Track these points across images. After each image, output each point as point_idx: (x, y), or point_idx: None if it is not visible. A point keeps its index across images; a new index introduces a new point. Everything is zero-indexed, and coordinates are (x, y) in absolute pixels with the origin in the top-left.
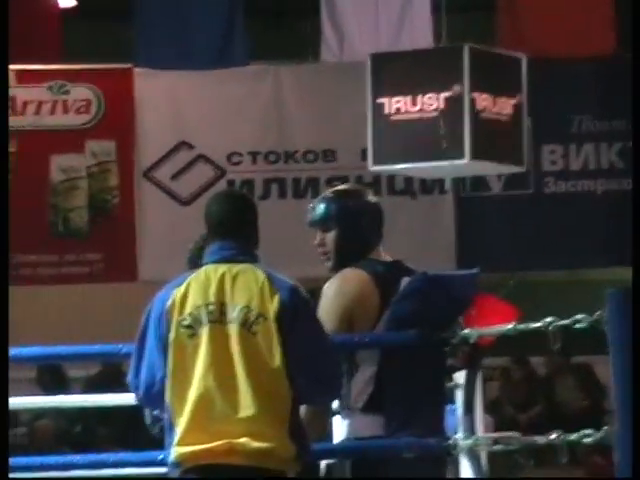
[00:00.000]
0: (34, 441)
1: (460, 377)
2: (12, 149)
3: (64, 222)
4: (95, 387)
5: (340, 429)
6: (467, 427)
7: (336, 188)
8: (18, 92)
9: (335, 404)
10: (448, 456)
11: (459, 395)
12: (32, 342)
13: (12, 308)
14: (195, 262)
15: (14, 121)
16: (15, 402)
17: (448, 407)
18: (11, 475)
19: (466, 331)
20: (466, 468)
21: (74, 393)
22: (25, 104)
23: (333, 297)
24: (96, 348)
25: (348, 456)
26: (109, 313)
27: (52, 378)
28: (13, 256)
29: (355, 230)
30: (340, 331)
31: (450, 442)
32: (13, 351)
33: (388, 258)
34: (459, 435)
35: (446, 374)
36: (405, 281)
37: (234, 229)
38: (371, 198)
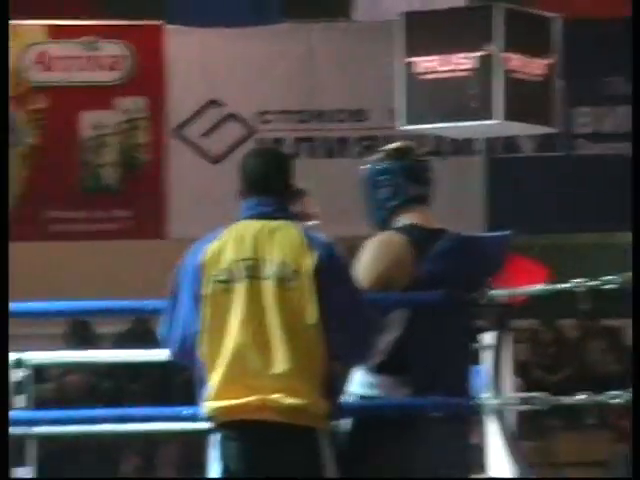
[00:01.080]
0: (63, 396)
1: (488, 338)
2: (43, 105)
3: (94, 178)
4: (123, 344)
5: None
6: (494, 388)
7: (389, 146)
8: (49, 47)
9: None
10: (474, 415)
11: (487, 356)
12: (62, 297)
13: (42, 263)
14: None
15: (45, 76)
16: (44, 357)
17: (475, 368)
18: (40, 428)
19: (496, 291)
20: (493, 429)
21: (104, 349)
22: (56, 60)
23: (369, 261)
24: (124, 303)
25: (373, 414)
26: (138, 270)
27: (81, 334)
28: (44, 212)
29: (390, 187)
30: (373, 292)
31: (477, 402)
32: (42, 305)
33: (435, 224)
34: (486, 395)
35: (474, 334)
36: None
37: (271, 186)
38: (413, 155)
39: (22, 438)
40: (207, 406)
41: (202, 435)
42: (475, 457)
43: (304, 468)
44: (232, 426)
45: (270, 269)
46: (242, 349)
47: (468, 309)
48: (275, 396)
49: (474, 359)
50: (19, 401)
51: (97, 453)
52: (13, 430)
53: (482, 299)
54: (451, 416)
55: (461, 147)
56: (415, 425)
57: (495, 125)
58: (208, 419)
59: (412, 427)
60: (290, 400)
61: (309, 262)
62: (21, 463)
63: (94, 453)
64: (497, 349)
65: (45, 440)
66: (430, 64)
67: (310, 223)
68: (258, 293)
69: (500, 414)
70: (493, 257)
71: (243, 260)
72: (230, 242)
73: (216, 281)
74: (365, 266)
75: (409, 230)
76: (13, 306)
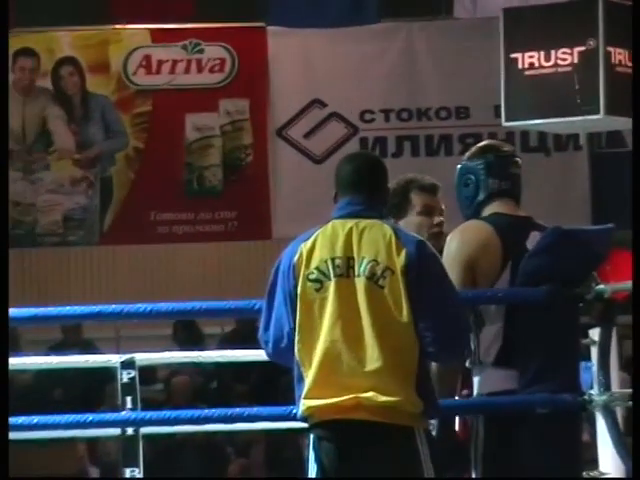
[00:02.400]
0: (171, 397)
1: (595, 333)
2: (148, 108)
3: (198, 180)
4: (230, 344)
5: (474, 384)
6: (602, 383)
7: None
8: (153, 51)
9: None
10: (583, 411)
11: (594, 352)
12: (168, 299)
13: (149, 266)
14: (394, 207)
15: (150, 80)
16: (152, 357)
17: (583, 364)
18: (149, 429)
19: (601, 287)
20: (601, 425)
21: (210, 350)
22: (160, 63)
23: (455, 247)
24: (230, 304)
25: (480, 412)
26: (243, 271)
27: (188, 335)
28: (149, 214)
29: (478, 182)
30: (464, 280)
31: (585, 398)
32: (150, 307)
33: (520, 212)
34: (594, 391)
35: (580, 330)
36: (534, 236)
37: (362, 186)
38: (495, 152)
39: (130, 439)
40: (302, 405)
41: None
42: (586, 453)
43: (401, 468)
44: (327, 426)
45: (361, 267)
46: (335, 348)
47: (575, 304)
48: (369, 394)
49: (583, 355)
50: (127, 402)
51: (202, 453)
52: (122, 431)
53: (588, 294)
54: (562, 412)
55: (565, 142)
56: (525, 421)
57: (599, 120)
58: (303, 419)
59: (522, 423)
60: (384, 398)
61: (400, 259)
62: (129, 463)
63: (199, 453)
64: (603, 345)
65: (152, 440)
66: (532, 60)
67: (437, 219)
68: (350, 291)
69: (608, 410)
70: (598, 251)
71: (334, 259)
72: (322, 241)
73: (308, 280)
74: (451, 256)
75: (492, 219)
76: (122, 308)
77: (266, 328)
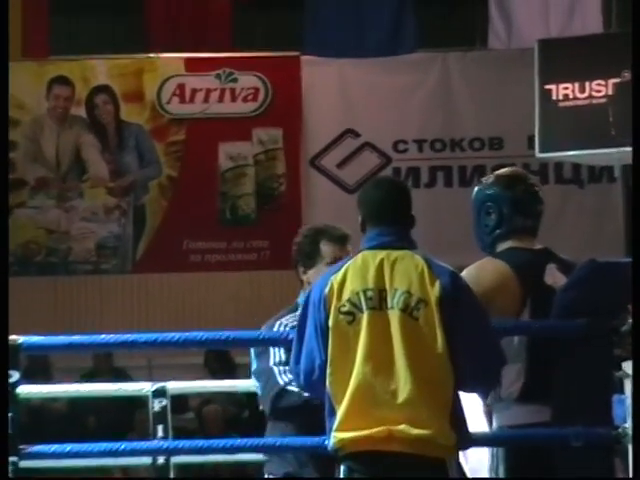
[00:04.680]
0: (203, 426)
1: (629, 366)
2: (181, 137)
3: (232, 209)
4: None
5: (495, 421)
6: (636, 417)
7: (500, 171)
8: (187, 80)
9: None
10: (616, 444)
11: (628, 384)
12: (200, 328)
13: (181, 294)
14: (306, 255)
15: (183, 109)
16: (184, 386)
17: (617, 397)
18: (182, 457)
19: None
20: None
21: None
22: (194, 92)
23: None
24: (262, 333)
25: (512, 443)
26: (276, 300)
27: (220, 364)
28: (182, 243)
29: (496, 215)
30: None
31: (619, 431)
32: (182, 336)
33: (536, 245)
34: (628, 424)
35: (615, 363)
36: (551, 269)
37: (391, 215)
38: (523, 186)
39: (162, 467)
40: (334, 437)
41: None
42: None
43: None
44: (359, 458)
45: (394, 299)
46: (368, 380)
47: (609, 337)
48: (402, 427)
49: (617, 388)
50: (159, 430)
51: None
52: (153, 459)
53: (622, 326)
54: (595, 445)
55: (599, 174)
56: (559, 455)
57: None
58: (335, 451)
59: (555, 456)
60: (417, 431)
61: (434, 291)
62: None
63: None
64: (636, 377)
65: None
66: (567, 91)
67: None
68: (383, 323)
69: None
70: (630, 283)
71: (365, 291)
72: (352, 273)
73: (340, 312)
74: None
75: (509, 254)
76: (155, 337)
77: (297, 361)
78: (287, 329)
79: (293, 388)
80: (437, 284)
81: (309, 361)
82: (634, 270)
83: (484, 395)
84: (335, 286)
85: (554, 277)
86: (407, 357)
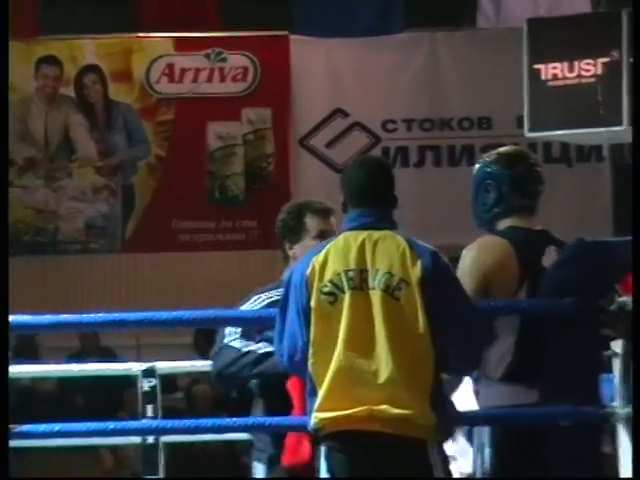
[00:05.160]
0: (192, 406)
1: (617, 345)
2: (170, 116)
3: (220, 189)
4: None
5: (480, 398)
6: (624, 396)
7: (501, 149)
8: (177, 60)
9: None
10: (605, 424)
11: (616, 364)
12: (189, 307)
13: (170, 274)
14: (291, 231)
15: (172, 88)
16: (173, 366)
17: (605, 376)
18: (170, 437)
19: (623, 298)
20: (624, 438)
21: None
22: (183, 72)
23: (470, 264)
24: (251, 312)
25: (500, 423)
26: (264, 280)
27: (209, 343)
28: (171, 223)
29: (495, 194)
30: (476, 298)
31: (607, 410)
32: (171, 315)
33: (536, 225)
34: (616, 403)
35: (602, 342)
36: (550, 250)
37: (373, 196)
38: (523, 166)
39: (151, 447)
40: (314, 417)
41: None
42: (608, 466)
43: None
44: (339, 437)
45: (376, 279)
46: (349, 360)
47: (597, 316)
48: (383, 407)
49: (605, 367)
50: (148, 410)
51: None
52: (142, 439)
53: (611, 306)
54: (584, 425)
55: (588, 154)
56: (547, 434)
57: (622, 131)
58: (315, 431)
59: (544, 436)
60: (398, 411)
61: (415, 271)
62: (150, 472)
63: (221, 461)
64: (625, 357)
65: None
66: (556, 71)
67: None
68: (364, 304)
69: (630, 423)
70: (620, 262)
71: (348, 271)
72: (334, 254)
73: (322, 293)
74: (465, 271)
75: (509, 233)
76: (143, 316)
77: (280, 340)
78: (263, 303)
79: (252, 348)
80: (418, 264)
81: (291, 343)
82: (634, 270)
83: (468, 375)
84: (317, 267)
85: (552, 259)
86: (388, 338)
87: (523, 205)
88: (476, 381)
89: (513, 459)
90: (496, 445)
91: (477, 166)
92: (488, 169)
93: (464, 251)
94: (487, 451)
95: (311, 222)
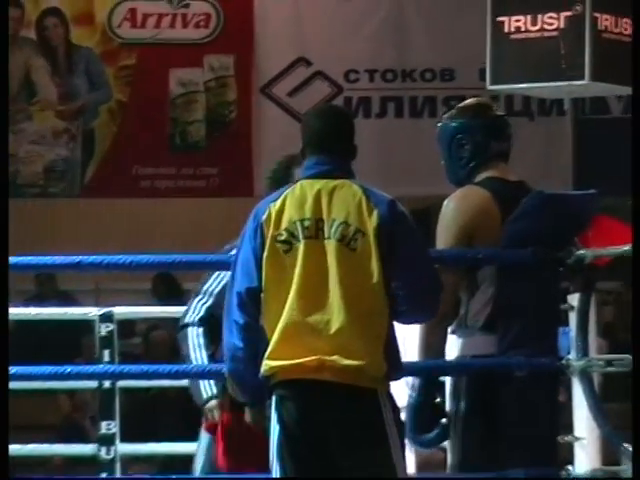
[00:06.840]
0: (149, 351)
1: (574, 299)
2: (132, 61)
3: (182, 135)
4: None
5: (456, 347)
6: (580, 349)
7: (465, 102)
8: (139, 5)
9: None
10: (560, 376)
11: (573, 317)
12: (150, 253)
13: (130, 220)
14: (279, 182)
15: (134, 33)
16: (131, 311)
17: (562, 329)
18: (127, 382)
19: (582, 252)
20: (578, 390)
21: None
22: (145, 17)
23: (452, 215)
24: (209, 257)
25: (460, 373)
26: (224, 227)
27: (167, 289)
28: (132, 169)
29: (471, 145)
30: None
31: (563, 362)
32: (130, 258)
33: (512, 177)
34: (572, 356)
35: (560, 295)
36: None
37: (331, 144)
38: (492, 112)
39: (107, 392)
40: (265, 364)
41: None
42: (563, 416)
43: (364, 428)
44: (289, 385)
45: (332, 229)
46: (302, 309)
47: (556, 269)
48: (334, 357)
49: (563, 320)
50: (105, 355)
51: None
52: (99, 383)
53: (569, 258)
54: (542, 375)
55: (549, 107)
56: (508, 383)
57: (583, 85)
58: (266, 378)
59: (503, 385)
60: (349, 361)
61: (372, 221)
62: (106, 416)
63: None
64: (582, 311)
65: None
66: (519, 24)
67: None
68: (319, 253)
69: (585, 376)
70: (580, 216)
71: (302, 220)
72: (290, 202)
73: (276, 241)
74: (447, 221)
75: (489, 183)
76: (102, 259)
77: (232, 285)
78: None
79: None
80: (375, 213)
81: (245, 282)
82: (634, 266)
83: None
84: (273, 214)
85: None
86: (342, 287)
87: (501, 149)
88: (454, 332)
89: (480, 407)
90: (469, 394)
91: (441, 124)
92: (455, 123)
93: (446, 201)
94: (462, 404)
95: (299, 172)
